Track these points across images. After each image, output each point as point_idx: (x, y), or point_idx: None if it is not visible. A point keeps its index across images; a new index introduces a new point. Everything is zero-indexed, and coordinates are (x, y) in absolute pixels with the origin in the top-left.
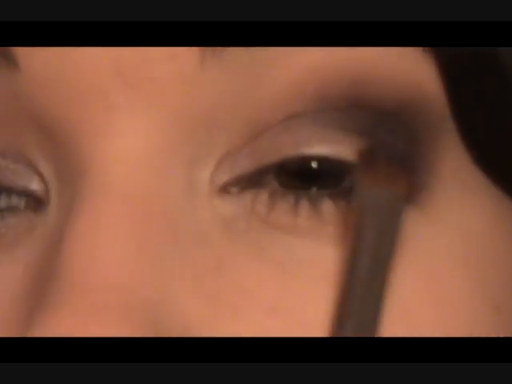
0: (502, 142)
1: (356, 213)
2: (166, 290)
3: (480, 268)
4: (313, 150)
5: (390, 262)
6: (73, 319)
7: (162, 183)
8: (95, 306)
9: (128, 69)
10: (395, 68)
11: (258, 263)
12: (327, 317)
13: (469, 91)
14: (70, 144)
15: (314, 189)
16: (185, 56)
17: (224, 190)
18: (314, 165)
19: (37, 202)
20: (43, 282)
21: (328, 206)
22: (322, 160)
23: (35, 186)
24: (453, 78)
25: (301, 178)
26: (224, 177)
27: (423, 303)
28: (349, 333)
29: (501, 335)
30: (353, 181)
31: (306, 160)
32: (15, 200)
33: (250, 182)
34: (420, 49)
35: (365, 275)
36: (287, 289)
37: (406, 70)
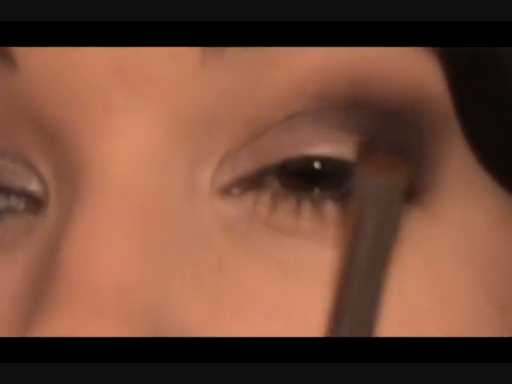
0: (506, 141)
1: (355, 202)
2: (166, 290)
3: (485, 268)
4: (315, 149)
5: (390, 252)
6: (72, 320)
7: (162, 183)
8: (94, 308)
9: (128, 68)
10: (398, 68)
11: (258, 264)
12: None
13: (473, 91)
14: (68, 144)
15: (317, 190)
16: (186, 55)
17: (225, 191)
18: (316, 165)
19: (36, 204)
20: (42, 282)
21: (330, 208)
22: (324, 160)
23: (34, 186)
24: (457, 78)
25: (303, 178)
26: (225, 177)
27: (428, 303)
28: (349, 318)
29: (505, 335)
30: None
31: (308, 160)
32: (14, 201)
33: (252, 183)
34: (424, 49)
35: (364, 264)
36: (288, 290)
37: (409, 69)
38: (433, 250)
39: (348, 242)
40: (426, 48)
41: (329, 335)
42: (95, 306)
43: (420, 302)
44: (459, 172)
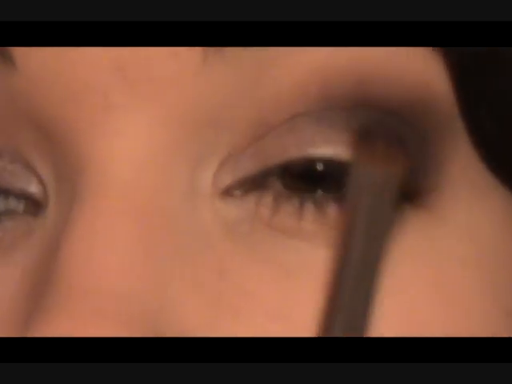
0: (511, 141)
1: (350, 192)
2: (166, 291)
3: (490, 269)
4: (318, 150)
5: (385, 242)
6: (71, 321)
7: (162, 183)
8: (93, 308)
9: (128, 68)
10: (402, 68)
11: (260, 266)
12: None
13: (477, 90)
14: (68, 144)
15: (319, 191)
16: (186, 55)
17: (227, 192)
18: (319, 167)
19: (35, 206)
20: (41, 284)
21: (333, 210)
22: (327, 162)
23: (33, 188)
24: (461, 78)
25: (305, 180)
26: (227, 178)
27: (433, 304)
28: (342, 313)
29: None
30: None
31: (310, 162)
32: (13, 203)
33: (254, 184)
34: (428, 48)
35: (359, 255)
36: (289, 292)
37: (413, 69)
38: (437, 250)
39: (342, 232)
40: (430, 48)
41: (321, 333)
42: (95, 306)
43: (425, 303)
44: (463, 172)
